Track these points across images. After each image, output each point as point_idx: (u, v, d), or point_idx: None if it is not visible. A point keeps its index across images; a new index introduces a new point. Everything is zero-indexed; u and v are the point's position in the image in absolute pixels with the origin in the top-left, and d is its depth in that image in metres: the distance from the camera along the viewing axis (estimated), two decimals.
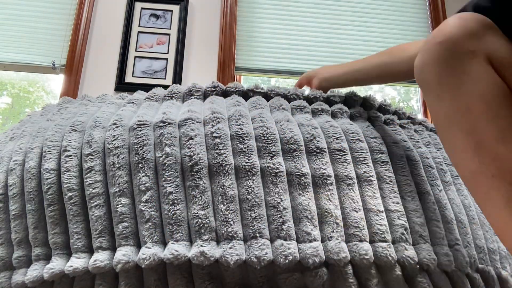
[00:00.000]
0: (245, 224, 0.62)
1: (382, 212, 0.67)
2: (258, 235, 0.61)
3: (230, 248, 0.59)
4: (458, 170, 0.48)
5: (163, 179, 0.64)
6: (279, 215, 0.63)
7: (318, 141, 0.70)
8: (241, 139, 0.68)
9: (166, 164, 0.64)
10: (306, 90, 0.84)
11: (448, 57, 0.45)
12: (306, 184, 0.66)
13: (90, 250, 0.63)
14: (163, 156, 0.65)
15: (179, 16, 2.11)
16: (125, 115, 0.73)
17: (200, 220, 0.61)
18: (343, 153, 0.70)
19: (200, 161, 0.65)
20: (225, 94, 0.83)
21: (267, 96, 0.84)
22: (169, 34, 2.08)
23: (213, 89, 0.83)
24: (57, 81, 2.38)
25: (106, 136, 0.68)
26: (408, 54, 0.72)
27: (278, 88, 0.84)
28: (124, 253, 0.60)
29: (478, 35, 0.45)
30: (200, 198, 0.62)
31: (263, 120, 0.71)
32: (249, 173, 0.65)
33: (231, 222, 0.61)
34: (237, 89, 0.83)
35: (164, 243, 0.61)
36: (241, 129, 0.69)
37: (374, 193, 0.68)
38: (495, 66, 0.44)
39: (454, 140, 0.47)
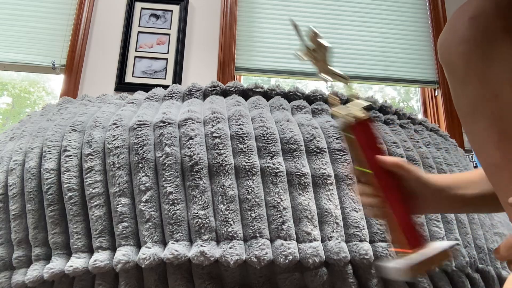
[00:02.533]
0: (245, 224, 0.62)
1: None
2: (258, 235, 0.61)
3: (230, 248, 0.59)
4: (480, 161, 0.44)
5: (163, 179, 0.63)
6: (279, 215, 0.63)
7: (318, 141, 0.70)
8: (241, 139, 0.68)
9: (166, 164, 0.64)
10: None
11: (478, 36, 0.41)
12: (306, 184, 0.66)
13: (90, 250, 0.63)
14: (163, 156, 0.65)
15: (179, 16, 2.11)
16: (125, 115, 0.73)
17: (200, 220, 0.61)
18: (343, 153, 0.70)
19: (200, 161, 0.65)
20: (225, 93, 0.83)
21: (267, 95, 0.84)
22: (169, 34, 2.08)
23: (212, 88, 0.83)
24: (57, 81, 2.39)
25: (106, 136, 0.68)
26: None
27: (278, 87, 0.84)
28: (124, 253, 0.60)
29: (511, 12, 0.40)
30: (200, 198, 0.62)
31: (263, 120, 0.71)
32: (249, 173, 0.65)
33: (231, 222, 0.61)
34: (236, 88, 0.83)
35: (164, 243, 0.61)
36: (241, 129, 0.69)
37: None
38: None
39: (477, 129, 0.43)
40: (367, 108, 0.50)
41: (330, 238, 0.63)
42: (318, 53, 0.50)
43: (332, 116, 0.51)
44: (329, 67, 0.50)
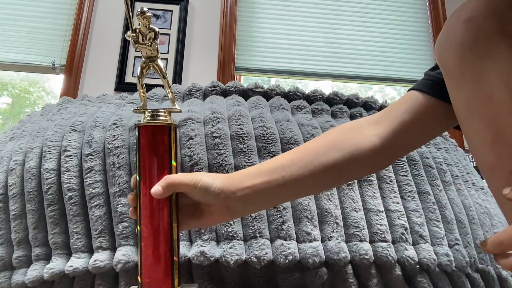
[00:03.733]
0: (245, 224, 0.62)
1: (382, 212, 0.67)
2: (258, 235, 0.61)
3: (230, 248, 0.59)
4: (477, 162, 0.44)
5: None
6: (279, 215, 0.63)
7: None
8: (241, 139, 0.68)
9: None
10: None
11: (472, 38, 0.41)
12: None
13: (90, 250, 0.63)
14: None
15: (179, 16, 2.11)
16: (125, 115, 0.73)
17: None
18: None
19: (200, 161, 0.65)
20: (225, 93, 0.83)
21: (267, 95, 0.84)
22: (169, 34, 2.08)
23: (212, 88, 0.83)
24: (57, 81, 2.38)
25: (106, 136, 0.68)
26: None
27: (278, 87, 0.84)
28: (124, 253, 0.60)
29: (506, 16, 0.40)
30: None
31: (263, 120, 0.71)
32: None
33: (231, 222, 0.61)
34: (236, 88, 0.83)
35: None
36: (241, 129, 0.69)
37: (374, 193, 0.68)
38: None
39: (472, 131, 0.43)
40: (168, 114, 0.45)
41: (330, 238, 0.63)
42: (145, 37, 0.44)
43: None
44: (152, 55, 0.45)
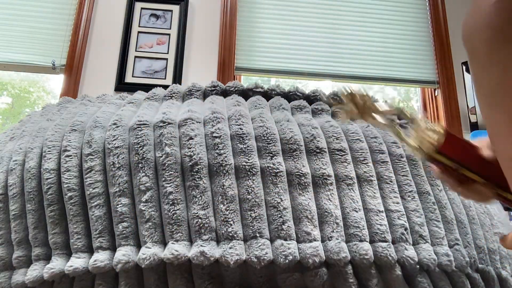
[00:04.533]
0: (245, 224, 0.62)
1: (382, 212, 0.67)
2: (258, 235, 0.61)
3: (230, 248, 0.59)
4: (496, 153, 0.42)
5: (163, 179, 0.64)
6: (279, 215, 0.63)
7: (318, 141, 0.70)
8: (241, 139, 0.68)
9: (166, 164, 0.64)
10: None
11: (504, 21, 0.38)
12: (306, 184, 0.66)
13: (90, 250, 0.63)
14: (163, 156, 0.65)
15: (179, 16, 2.11)
16: (125, 115, 0.73)
17: (200, 220, 0.61)
18: (343, 153, 0.70)
19: (200, 161, 0.65)
20: (225, 93, 0.83)
21: (267, 95, 0.84)
22: (169, 34, 2.08)
23: (212, 88, 0.83)
24: (57, 81, 2.38)
25: (106, 136, 0.68)
26: None
27: (278, 87, 0.84)
28: (124, 253, 0.60)
29: None
30: (200, 198, 0.62)
31: (263, 120, 0.71)
32: (249, 173, 0.65)
33: (231, 222, 0.61)
34: (236, 88, 0.83)
35: (164, 243, 0.61)
36: (241, 129, 0.69)
37: (374, 193, 0.68)
38: None
39: (495, 121, 0.41)
40: (437, 128, 0.46)
41: (330, 238, 0.63)
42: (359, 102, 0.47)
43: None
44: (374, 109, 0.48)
